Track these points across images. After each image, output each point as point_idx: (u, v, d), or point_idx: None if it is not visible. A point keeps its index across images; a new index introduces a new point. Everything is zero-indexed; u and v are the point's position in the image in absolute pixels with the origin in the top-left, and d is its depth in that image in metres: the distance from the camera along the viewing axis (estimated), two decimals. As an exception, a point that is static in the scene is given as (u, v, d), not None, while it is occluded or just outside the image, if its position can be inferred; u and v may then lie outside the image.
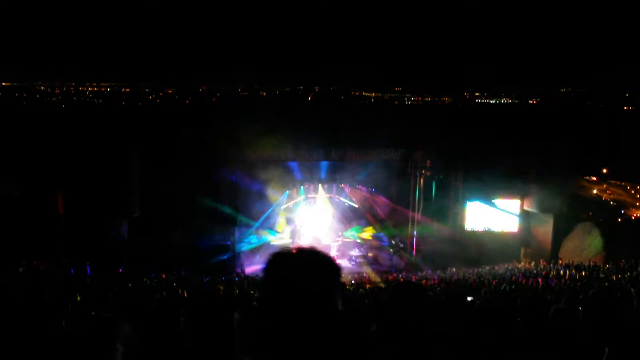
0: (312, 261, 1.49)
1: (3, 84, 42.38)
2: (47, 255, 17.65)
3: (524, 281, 15.44)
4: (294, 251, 1.51)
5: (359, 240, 28.45)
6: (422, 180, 26.67)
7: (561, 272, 17.23)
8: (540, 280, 15.33)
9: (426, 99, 48.73)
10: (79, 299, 6.66)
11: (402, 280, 16.54)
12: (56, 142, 23.26)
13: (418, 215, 26.94)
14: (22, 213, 20.39)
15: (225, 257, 24.95)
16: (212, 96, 49.88)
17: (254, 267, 24.56)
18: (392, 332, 2.16)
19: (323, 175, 28.50)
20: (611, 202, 27.56)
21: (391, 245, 28.63)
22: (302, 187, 28.52)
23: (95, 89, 47.13)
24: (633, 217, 26.94)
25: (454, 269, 21.87)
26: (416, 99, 49.02)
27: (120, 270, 19.15)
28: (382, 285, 16.99)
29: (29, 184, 21.17)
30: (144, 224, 22.95)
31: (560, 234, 24.28)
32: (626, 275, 14.51)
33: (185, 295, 8.48)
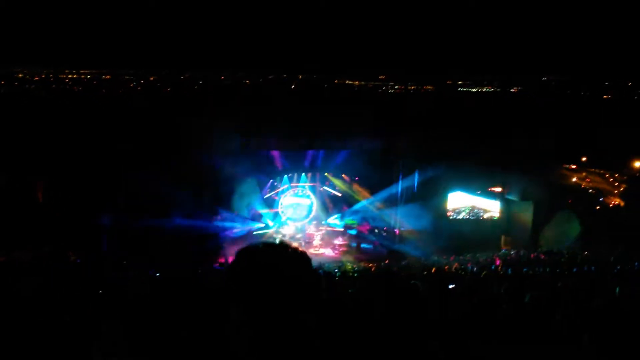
0: (283, 255, 1.52)
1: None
2: (28, 243, 17.50)
3: (501, 268, 15.70)
4: (262, 246, 1.55)
5: (342, 230, 28.61)
6: (404, 169, 26.85)
7: (540, 256, 17.56)
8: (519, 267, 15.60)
9: (409, 88, 48.75)
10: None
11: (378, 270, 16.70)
12: (36, 130, 22.98)
13: (401, 204, 27.15)
14: (3, 202, 20.18)
15: (208, 246, 24.93)
16: (194, 84, 49.38)
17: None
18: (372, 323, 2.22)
19: (307, 164, 28.51)
20: (590, 190, 28.00)
21: (374, 234, 28.82)
22: (285, 175, 28.52)
23: (75, 76, 46.33)
24: (611, 205, 27.44)
25: (436, 257, 22.16)
26: (400, 87, 49.03)
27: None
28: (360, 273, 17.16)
29: (8, 172, 20.93)
30: (127, 212, 22.82)
31: (540, 222, 24.67)
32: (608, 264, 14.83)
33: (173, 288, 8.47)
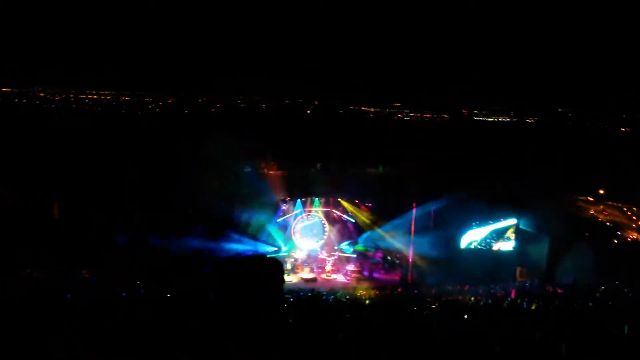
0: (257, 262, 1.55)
1: (3, 89, 42.38)
2: (45, 260, 17.62)
3: (518, 300, 15.42)
4: (242, 257, 1.58)
5: (354, 255, 28.40)
6: (419, 197, 26.68)
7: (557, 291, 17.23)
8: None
9: (425, 116, 48.77)
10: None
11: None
12: (55, 149, 23.30)
13: (415, 232, 26.93)
14: (21, 218, 20.37)
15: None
16: (211, 107, 49.88)
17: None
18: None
19: (321, 188, 28.49)
20: (607, 224, 27.58)
21: (387, 261, 28.56)
22: (299, 200, 28.49)
23: (95, 97, 47.09)
24: (629, 239, 26.96)
25: (449, 287, 21.83)
26: (415, 115, 49.08)
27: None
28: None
29: (27, 189, 21.17)
30: (139, 232, 22.93)
31: (556, 254, 24.29)
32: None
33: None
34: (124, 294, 13.13)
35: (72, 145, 24.62)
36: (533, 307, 13.02)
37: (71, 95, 45.73)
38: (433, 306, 13.91)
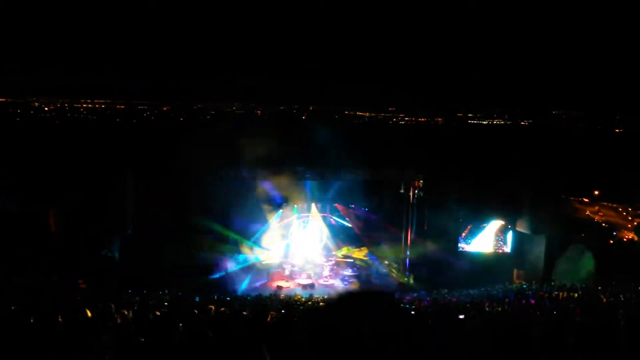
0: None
1: (-1, 99, 42.42)
2: (39, 271, 17.54)
3: (516, 302, 15.44)
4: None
5: (351, 260, 28.39)
6: (415, 201, 26.71)
7: (554, 294, 17.24)
8: (532, 302, 15.34)
9: (420, 120, 48.99)
10: (89, 314, 6.63)
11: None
12: (50, 158, 23.26)
13: (411, 236, 26.95)
14: (16, 229, 20.29)
15: (216, 275, 24.84)
16: (207, 114, 49.96)
17: (245, 286, 24.53)
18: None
19: (316, 194, 28.49)
20: (603, 224, 27.68)
21: (384, 266, 28.55)
22: (295, 206, 28.47)
23: (89, 105, 47.11)
24: (624, 239, 27.06)
25: (446, 290, 21.85)
26: (410, 119, 49.29)
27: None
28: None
29: (22, 199, 21.10)
30: (136, 242, 22.88)
31: (552, 256, 24.34)
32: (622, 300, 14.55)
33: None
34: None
35: (68, 152, 24.58)
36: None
37: (66, 105, 45.74)
38: (430, 310, 13.92)
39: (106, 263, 21.70)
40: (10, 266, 16.43)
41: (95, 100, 47.18)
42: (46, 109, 44.33)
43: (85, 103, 46.68)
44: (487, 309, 13.62)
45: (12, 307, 7.52)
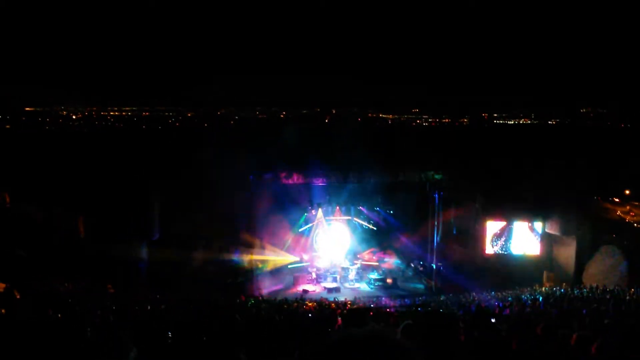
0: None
1: (27, 109, 43.38)
2: (68, 277, 17.82)
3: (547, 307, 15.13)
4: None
5: (377, 264, 28.22)
6: (441, 203, 26.45)
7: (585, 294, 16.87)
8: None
9: (444, 121, 48.59)
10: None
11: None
12: (78, 166, 23.66)
13: (437, 239, 26.69)
14: (45, 235, 20.68)
15: (243, 278, 24.94)
16: (230, 119, 50.36)
17: (271, 288, 24.62)
18: None
19: (342, 197, 28.45)
20: (634, 224, 26.98)
21: (410, 269, 28.34)
22: (320, 209, 28.45)
23: (116, 113, 47.94)
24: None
25: (474, 293, 21.53)
26: (434, 120, 48.92)
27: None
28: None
29: (51, 207, 21.50)
30: (163, 246, 23.13)
31: (583, 257, 23.82)
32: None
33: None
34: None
35: (95, 160, 24.98)
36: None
37: (93, 113, 46.61)
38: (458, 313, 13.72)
39: (133, 268, 21.96)
40: (39, 272, 16.72)
41: (123, 108, 47.98)
42: (74, 117, 45.22)
43: (112, 111, 47.50)
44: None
45: (46, 313, 7.63)
